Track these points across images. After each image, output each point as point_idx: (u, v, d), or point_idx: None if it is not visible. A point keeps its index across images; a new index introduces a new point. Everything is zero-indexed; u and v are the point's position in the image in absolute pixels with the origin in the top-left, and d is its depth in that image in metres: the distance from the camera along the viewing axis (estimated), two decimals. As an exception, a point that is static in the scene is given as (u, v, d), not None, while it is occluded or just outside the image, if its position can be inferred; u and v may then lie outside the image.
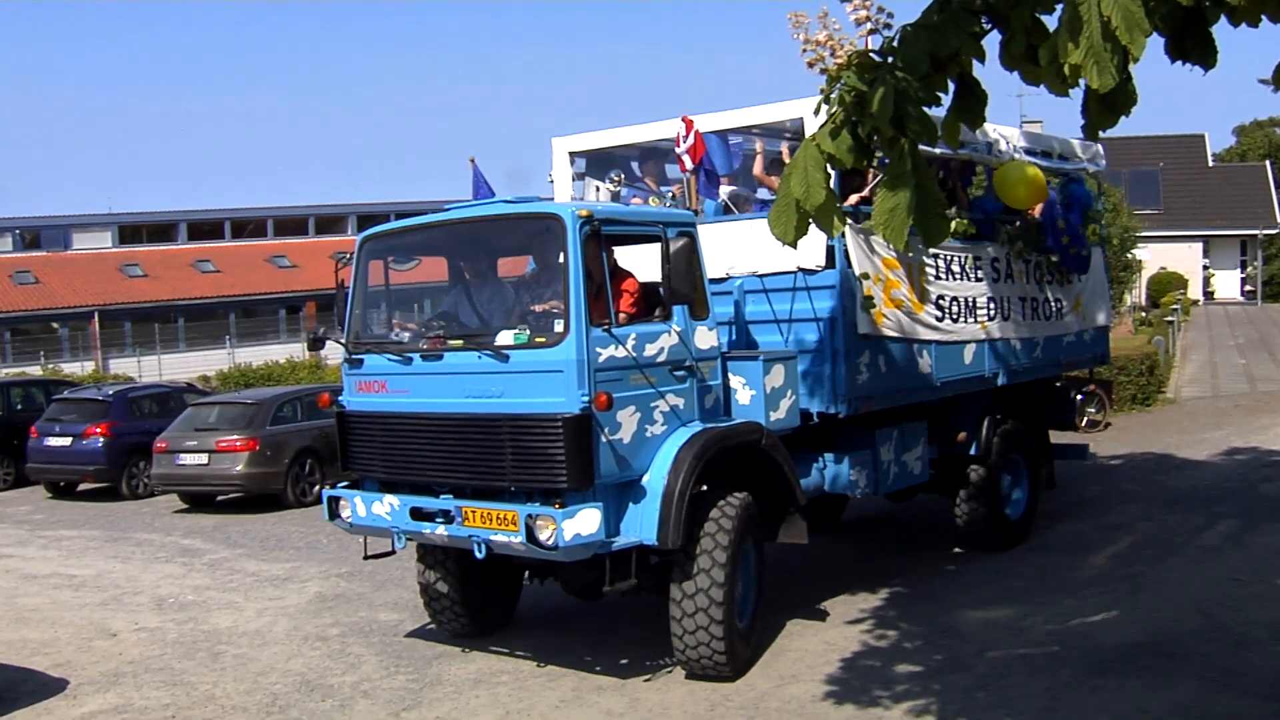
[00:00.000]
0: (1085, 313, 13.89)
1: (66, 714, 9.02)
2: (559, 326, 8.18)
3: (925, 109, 4.29)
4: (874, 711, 8.08)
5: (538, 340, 8.28)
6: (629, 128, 11.41)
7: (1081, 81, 3.86)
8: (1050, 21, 4.07)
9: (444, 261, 9.97)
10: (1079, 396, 21.58)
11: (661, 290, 8.50)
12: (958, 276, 11.48)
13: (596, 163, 11.80)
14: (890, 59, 4.26)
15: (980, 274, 11.83)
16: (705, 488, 8.92)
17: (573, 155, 11.79)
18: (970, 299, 11.58)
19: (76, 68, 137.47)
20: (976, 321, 11.64)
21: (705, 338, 9.06)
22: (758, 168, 11.45)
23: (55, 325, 52.96)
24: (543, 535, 8.03)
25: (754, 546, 9.21)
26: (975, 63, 4.31)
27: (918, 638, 9.69)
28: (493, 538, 8.31)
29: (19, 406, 23.86)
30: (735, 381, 9.44)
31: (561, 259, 8.22)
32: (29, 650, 10.72)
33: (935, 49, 4.18)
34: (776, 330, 10.34)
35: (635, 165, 11.90)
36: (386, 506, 9.01)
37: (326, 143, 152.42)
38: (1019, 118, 42.50)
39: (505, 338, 8.43)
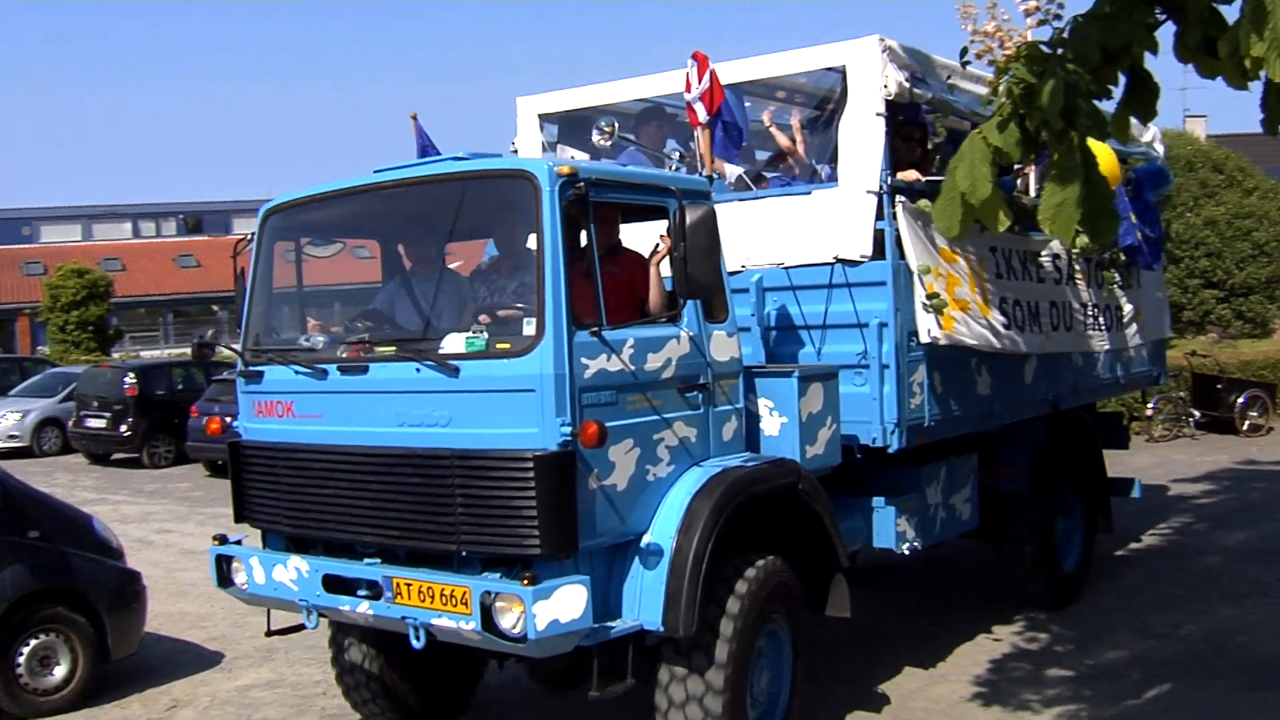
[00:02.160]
0: (1145, 324, 11.67)
1: (222, 686, 9.18)
2: (529, 328, 5.85)
3: (1095, 102, 4.28)
4: (1023, 715, 7.78)
5: (499, 347, 5.95)
6: (615, 83, 9.07)
7: (1262, 74, 3.82)
8: (1229, 12, 4.05)
9: (377, 244, 7.68)
10: (1241, 400, 20.13)
11: (672, 279, 6.18)
12: (1018, 276, 9.23)
13: (573, 128, 9.41)
14: (1060, 50, 4.26)
15: (1041, 274, 9.60)
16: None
17: (543, 119, 9.41)
18: (1033, 304, 9.32)
19: (241, 60, 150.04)
20: (1040, 331, 9.38)
21: (724, 346, 6.76)
22: (784, 139, 9.16)
23: (215, 308, 55.77)
24: (505, 621, 5.69)
25: (786, 626, 6.90)
26: (1147, 54, 4.30)
27: (1069, 641, 9.33)
28: (435, 621, 5.95)
29: (180, 386, 24.74)
30: (762, 405, 7.15)
31: (534, 235, 5.89)
32: (187, 623, 11.01)
33: (1107, 40, 4.18)
34: (806, 339, 8.06)
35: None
36: (292, 572, 6.62)
37: (493, 127, 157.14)
38: (1182, 112, 40.84)
39: (454, 343, 6.08)
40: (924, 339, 7.74)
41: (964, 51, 7.32)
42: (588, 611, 5.72)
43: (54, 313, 38.96)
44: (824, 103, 8.42)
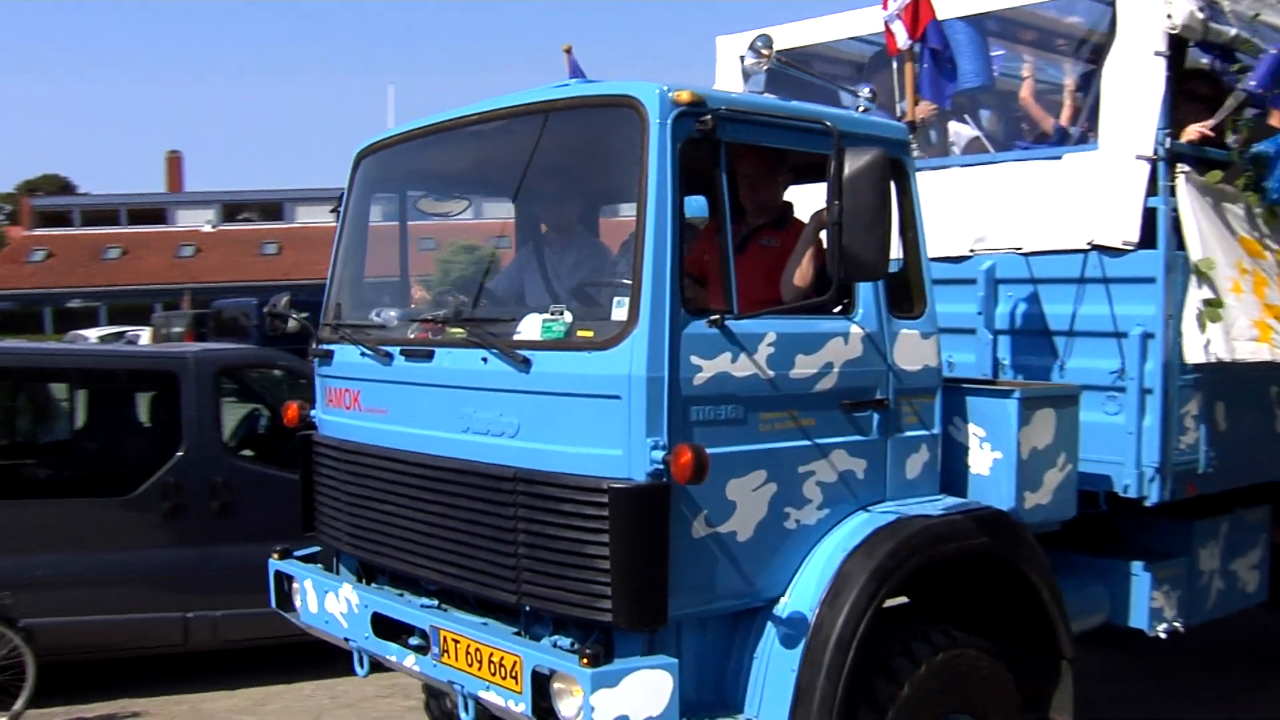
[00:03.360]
0: None
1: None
2: (619, 312, 4.28)
3: None
4: None
5: (580, 335, 4.41)
6: (839, 16, 7.29)
7: None
8: None
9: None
10: None
11: (826, 251, 4.45)
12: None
13: (785, 74, 7.67)
14: None
15: None
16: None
17: (745, 63, 7.73)
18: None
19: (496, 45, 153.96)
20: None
21: (917, 350, 5.02)
22: (1026, 91, 7.27)
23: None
24: (565, 708, 4.14)
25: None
26: None
27: None
28: (482, 694, 4.47)
29: None
30: (971, 434, 5.35)
31: (638, 183, 4.31)
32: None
33: None
34: (1046, 348, 6.19)
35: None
36: (343, 603, 5.28)
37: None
38: None
39: (530, 327, 4.57)
40: (1191, 358, 5.75)
41: None
42: (672, 707, 4.11)
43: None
44: (1086, 45, 6.52)
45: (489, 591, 4.62)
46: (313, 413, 5.89)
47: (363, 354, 5.30)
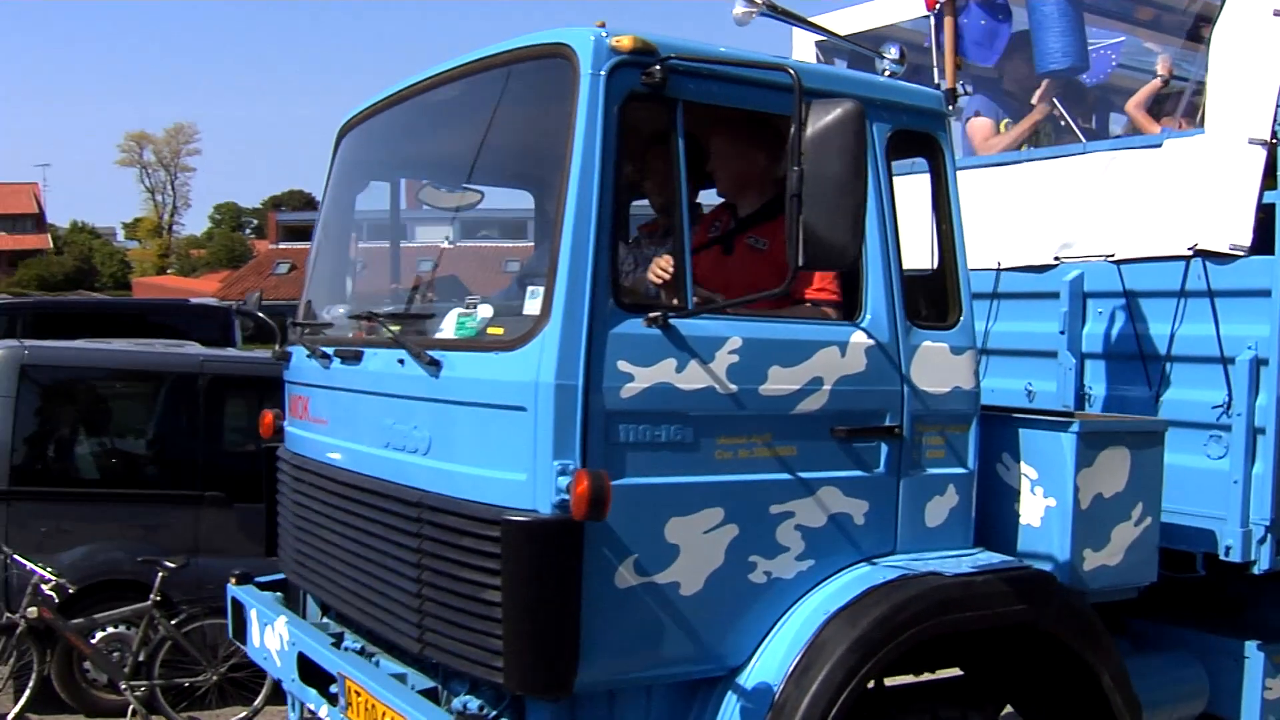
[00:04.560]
0: None
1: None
2: (532, 304, 3.49)
3: None
4: None
5: (491, 333, 3.65)
6: None
7: None
8: None
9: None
10: None
11: (787, 236, 3.53)
12: None
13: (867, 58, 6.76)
14: None
15: None
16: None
17: (824, 50, 6.89)
18: None
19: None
20: None
21: (945, 368, 4.09)
22: (1136, 99, 6.19)
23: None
24: None
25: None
26: None
27: None
28: None
29: None
30: (1022, 475, 4.38)
31: (565, 147, 3.52)
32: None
33: None
34: (1140, 375, 5.16)
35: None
36: (277, 639, 4.61)
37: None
38: None
39: (446, 325, 3.83)
40: None
41: None
42: None
43: None
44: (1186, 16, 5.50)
45: (396, 636, 3.90)
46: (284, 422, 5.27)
47: (307, 356, 4.65)
